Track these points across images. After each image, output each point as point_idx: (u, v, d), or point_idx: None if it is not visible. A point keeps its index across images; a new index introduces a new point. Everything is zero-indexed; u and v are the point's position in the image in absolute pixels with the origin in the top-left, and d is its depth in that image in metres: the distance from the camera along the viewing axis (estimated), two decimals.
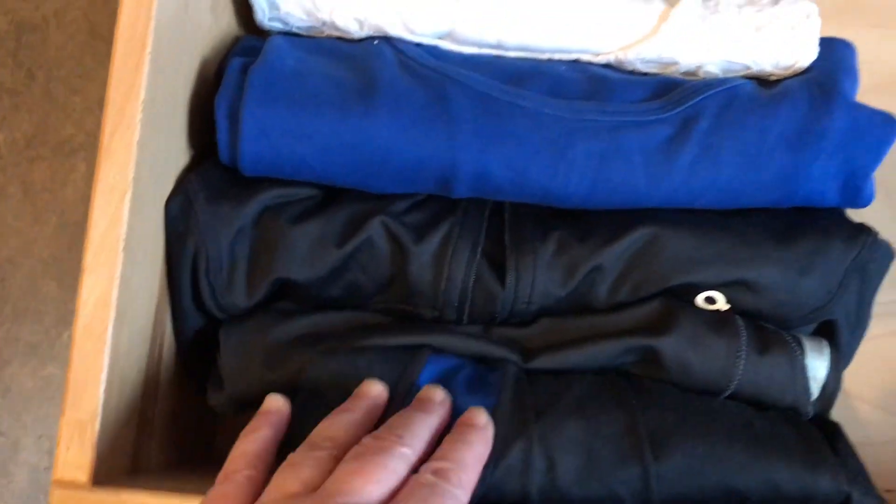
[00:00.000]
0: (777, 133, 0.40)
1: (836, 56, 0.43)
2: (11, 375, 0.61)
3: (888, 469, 0.50)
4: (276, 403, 0.38)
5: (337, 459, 0.34)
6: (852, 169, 0.40)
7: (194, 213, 0.39)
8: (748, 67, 0.43)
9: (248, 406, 0.39)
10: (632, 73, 0.44)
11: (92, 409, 0.35)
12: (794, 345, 0.40)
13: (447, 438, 0.35)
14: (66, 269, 0.63)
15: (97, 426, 0.35)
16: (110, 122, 0.35)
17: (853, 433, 0.49)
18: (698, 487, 0.37)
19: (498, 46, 0.44)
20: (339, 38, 0.44)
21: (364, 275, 0.41)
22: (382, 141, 0.39)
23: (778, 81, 0.42)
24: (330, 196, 0.42)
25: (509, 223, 0.42)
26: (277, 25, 0.45)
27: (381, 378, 0.39)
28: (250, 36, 0.46)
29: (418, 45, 0.44)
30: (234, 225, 0.40)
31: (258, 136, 0.39)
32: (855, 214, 0.44)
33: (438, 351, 0.40)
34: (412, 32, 0.44)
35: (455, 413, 0.37)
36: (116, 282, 0.35)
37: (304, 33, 0.45)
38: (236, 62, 0.41)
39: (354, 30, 0.44)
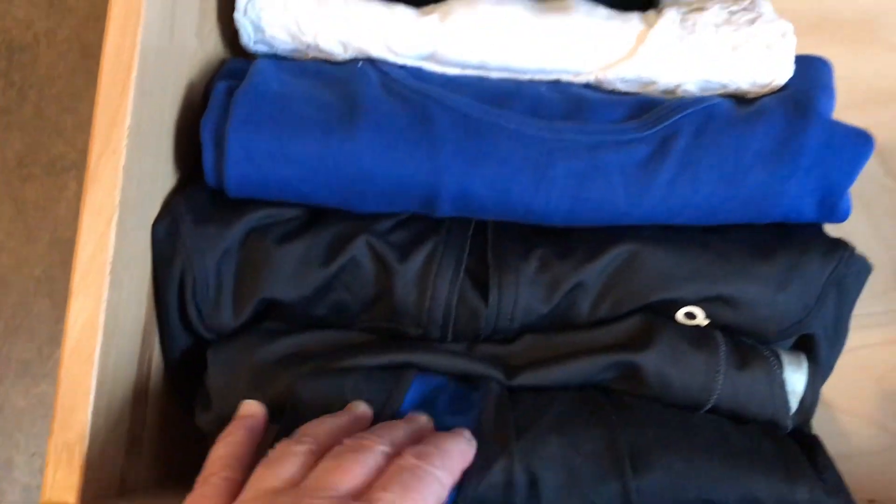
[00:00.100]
0: (754, 151, 0.40)
1: (812, 73, 0.44)
2: (4, 393, 0.61)
3: (871, 479, 0.51)
4: (251, 409, 0.39)
5: (316, 455, 0.34)
6: (828, 185, 0.41)
7: (181, 235, 0.40)
8: (725, 86, 0.44)
9: None
10: (612, 92, 0.45)
11: (80, 430, 0.36)
12: (772, 359, 0.41)
13: (432, 434, 0.36)
14: (58, 286, 0.63)
15: (85, 447, 0.36)
16: (97, 147, 0.35)
17: (836, 445, 0.50)
18: (678, 501, 0.37)
19: (480, 67, 0.45)
20: (324, 61, 0.45)
21: (349, 294, 0.42)
22: (366, 162, 0.40)
23: (755, 99, 0.43)
24: (315, 216, 0.43)
25: (492, 241, 0.42)
26: (263, 48, 0.46)
27: (368, 399, 0.39)
28: (236, 59, 0.46)
29: (402, 66, 0.44)
30: (221, 246, 0.41)
31: (243, 159, 0.40)
32: (834, 228, 0.45)
33: (423, 370, 0.41)
34: (395, 54, 0.44)
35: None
36: (104, 304, 0.35)
37: (289, 56, 0.46)
38: (221, 86, 0.42)
39: (339, 52, 0.45)
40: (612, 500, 0.37)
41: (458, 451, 0.35)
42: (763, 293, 0.40)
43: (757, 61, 0.43)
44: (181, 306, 0.41)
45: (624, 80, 0.44)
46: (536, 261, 0.41)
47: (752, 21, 0.44)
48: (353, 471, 0.33)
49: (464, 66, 0.45)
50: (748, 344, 0.41)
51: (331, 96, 0.41)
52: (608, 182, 0.40)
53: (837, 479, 0.39)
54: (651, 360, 0.40)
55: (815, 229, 0.43)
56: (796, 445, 0.40)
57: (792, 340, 0.43)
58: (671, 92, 0.44)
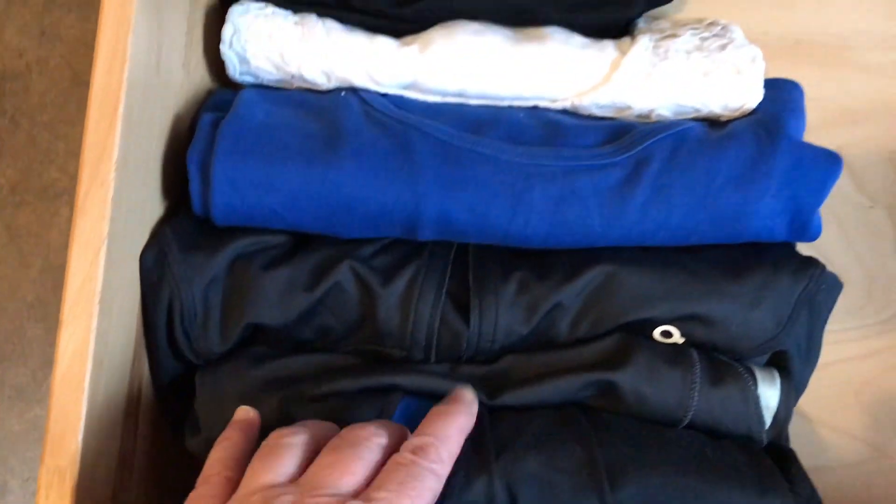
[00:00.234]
0: (725, 173, 0.42)
1: (782, 96, 0.46)
2: None
3: (850, 492, 0.52)
4: (246, 414, 0.40)
5: (310, 447, 0.35)
6: (799, 205, 0.42)
7: (168, 263, 0.41)
8: (698, 110, 0.45)
9: None
10: (588, 117, 0.46)
11: (71, 455, 0.37)
12: (746, 375, 0.42)
13: (432, 411, 0.37)
14: (51, 311, 0.64)
15: (76, 472, 0.37)
16: (85, 181, 0.36)
17: (816, 458, 0.51)
18: None
19: (460, 95, 0.46)
20: (308, 90, 0.46)
21: (334, 318, 0.43)
22: (348, 190, 0.41)
23: (726, 123, 0.44)
24: (300, 243, 0.44)
25: (473, 264, 0.43)
26: (249, 79, 0.47)
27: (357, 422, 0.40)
28: (223, 89, 0.47)
29: (384, 95, 0.45)
30: (208, 273, 0.42)
31: (229, 188, 0.41)
32: (809, 246, 0.46)
33: (408, 392, 0.42)
34: (377, 83, 0.46)
35: None
36: (93, 333, 0.36)
37: (274, 85, 0.47)
38: (207, 117, 0.43)
39: (322, 82, 0.46)
40: None
41: (457, 429, 0.36)
42: (736, 311, 0.41)
43: (728, 86, 0.44)
44: (170, 332, 0.42)
45: (599, 106, 0.46)
46: (516, 283, 0.42)
47: (723, 47, 0.45)
48: (351, 468, 0.34)
49: (444, 94, 0.46)
50: (723, 361, 0.42)
51: (314, 125, 0.42)
52: (584, 205, 0.42)
53: (811, 491, 0.40)
54: (628, 378, 0.41)
55: (787, 248, 0.45)
56: (770, 459, 0.41)
57: (766, 357, 0.44)
58: (645, 116, 0.46)
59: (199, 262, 0.41)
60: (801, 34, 0.53)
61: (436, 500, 0.34)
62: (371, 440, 0.35)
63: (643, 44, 0.45)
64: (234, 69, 0.46)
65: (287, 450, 0.35)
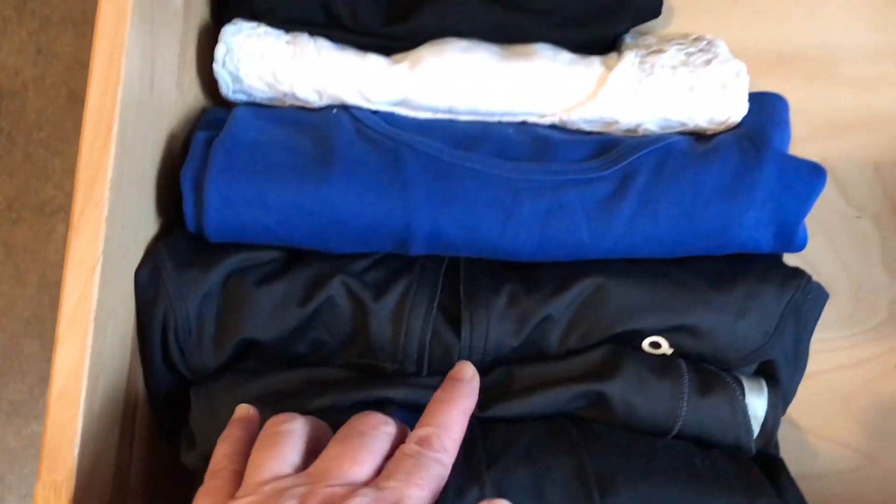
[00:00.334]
0: (711, 186, 0.42)
1: (767, 110, 0.46)
2: None
3: (841, 499, 0.52)
4: (246, 412, 0.40)
5: (310, 434, 0.36)
6: (784, 217, 0.43)
7: (162, 280, 0.42)
8: (684, 124, 0.46)
9: None
10: (576, 132, 0.47)
11: (67, 471, 0.37)
12: (734, 385, 0.42)
13: (434, 397, 0.38)
14: (48, 327, 0.64)
15: (72, 487, 0.37)
16: (79, 201, 0.37)
17: (805, 466, 0.52)
18: None
19: (450, 111, 0.47)
20: (301, 108, 0.47)
21: (327, 332, 0.43)
22: (340, 206, 0.42)
23: (712, 136, 0.45)
24: (292, 258, 0.44)
25: (464, 278, 0.44)
26: (242, 97, 0.48)
27: None
28: (216, 108, 0.48)
29: (375, 112, 0.46)
30: (202, 290, 0.42)
31: (222, 206, 0.42)
32: (798, 256, 0.46)
33: (401, 405, 0.42)
34: (369, 101, 0.46)
35: None
36: (88, 351, 0.37)
37: (267, 103, 0.48)
38: (201, 136, 0.43)
39: (314, 100, 0.47)
40: None
41: (459, 414, 0.37)
42: (723, 322, 0.42)
43: (713, 101, 0.45)
44: (164, 348, 0.43)
45: (587, 121, 0.46)
46: (506, 296, 0.43)
47: (708, 62, 0.46)
48: (360, 458, 0.35)
49: (434, 111, 0.47)
50: (711, 371, 0.43)
51: (306, 143, 0.43)
52: (572, 219, 0.42)
53: (799, 499, 0.41)
54: (617, 389, 0.41)
55: (773, 259, 0.45)
56: (757, 468, 0.41)
57: (754, 366, 0.44)
58: (633, 131, 0.46)
59: (194, 278, 0.42)
60: (787, 47, 0.54)
61: (442, 487, 0.35)
62: (379, 429, 0.36)
63: (629, 59, 0.46)
64: (228, 88, 0.47)
65: (287, 437, 0.36)
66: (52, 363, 0.37)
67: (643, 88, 0.45)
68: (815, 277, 0.44)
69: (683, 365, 0.43)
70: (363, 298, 0.43)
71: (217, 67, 0.46)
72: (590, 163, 0.43)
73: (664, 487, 0.39)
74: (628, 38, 0.49)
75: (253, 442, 0.38)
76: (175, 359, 0.43)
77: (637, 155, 0.43)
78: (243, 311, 0.42)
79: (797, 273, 0.44)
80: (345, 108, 0.46)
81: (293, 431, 0.37)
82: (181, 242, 0.43)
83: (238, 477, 0.36)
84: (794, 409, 0.50)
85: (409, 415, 0.42)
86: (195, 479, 0.47)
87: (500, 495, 0.38)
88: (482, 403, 0.42)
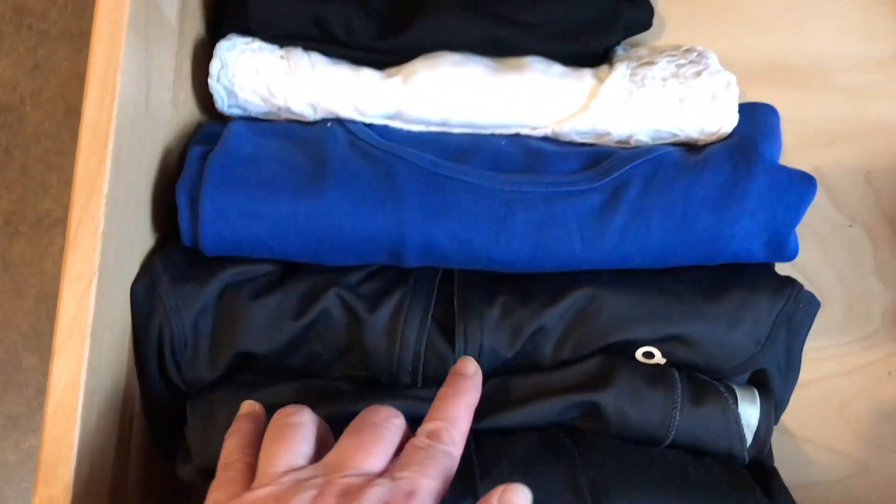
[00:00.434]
0: (702, 196, 0.43)
1: (758, 120, 0.47)
2: None
3: None
4: (251, 407, 0.41)
5: (315, 424, 0.37)
6: (775, 226, 0.43)
7: (158, 294, 0.42)
8: (676, 135, 0.46)
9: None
10: (569, 144, 0.47)
11: (64, 485, 0.37)
12: (727, 395, 0.42)
13: (440, 393, 0.39)
14: (46, 341, 0.64)
15: (69, 502, 0.37)
16: (76, 216, 0.37)
17: (800, 474, 0.52)
18: None
19: (443, 124, 0.47)
20: (295, 121, 0.48)
21: (322, 344, 0.44)
22: (334, 219, 0.42)
23: (703, 147, 0.46)
24: (287, 271, 0.45)
25: (458, 290, 0.44)
26: (237, 112, 0.48)
27: None
28: (211, 122, 0.48)
29: (369, 125, 0.47)
30: (197, 303, 0.42)
31: (217, 220, 0.42)
32: (791, 265, 0.47)
33: None
34: (362, 114, 0.47)
35: None
36: (85, 365, 0.37)
37: (262, 117, 0.48)
38: (196, 151, 0.44)
39: (309, 114, 0.47)
40: None
41: (465, 408, 0.38)
42: (715, 332, 0.42)
43: (703, 112, 0.46)
44: (160, 362, 0.43)
45: (579, 133, 0.47)
46: (500, 307, 0.43)
47: (698, 73, 0.47)
48: (373, 449, 0.36)
49: (427, 124, 0.47)
50: (704, 380, 0.43)
51: (301, 157, 0.43)
52: (565, 230, 0.42)
53: None
54: (611, 399, 0.42)
55: (765, 268, 0.45)
56: (750, 476, 0.42)
57: (747, 376, 0.45)
58: (624, 142, 0.47)
59: (189, 292, 0.42)
60: (778, 58, 0.54)
61: (451, 478, 0.36)
62: (390, 421, 0.37)
63: (620, 71, 0.46)
64: (223, 102, 0.47)
65: (298, 429, 0.37)
66: (49, 377, 0.37)
67: (634, 100, 0.46)
68: (808, 286, 0.44)
69: (676, 374, 0.43)
70: (358, 311, 0.43)
71: (212, 82, 0.47)
72: (582, 174, 0.43)
73: (658, 497, 0.39)
74: (620, 50, 0.50)
75: (261, 435, 0.38)
76: (171, 372, 0.43)
77: (629, 166, 0.43)
78: (239, 324, 0.43)
79: (789, 282, 0.44)
80: (339, 121, 0.47)
81: (303, 423, 0.37)
82: (177, 256, 0.44)
83: (251, 469, 0.37)
84: (786, 418, 0.50)
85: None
86: (192, 492, 0.47)
87: None
88: (476, 415, 0.42)
